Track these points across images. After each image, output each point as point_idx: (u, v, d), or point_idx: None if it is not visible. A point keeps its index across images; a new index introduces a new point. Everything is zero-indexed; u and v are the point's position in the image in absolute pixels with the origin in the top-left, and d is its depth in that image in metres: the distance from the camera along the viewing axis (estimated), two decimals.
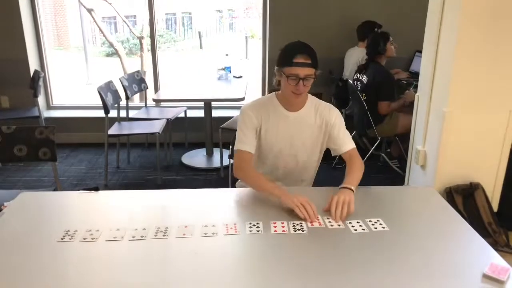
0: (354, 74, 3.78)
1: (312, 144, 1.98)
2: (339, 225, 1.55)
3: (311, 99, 1.98)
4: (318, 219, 1.60)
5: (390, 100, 3.50)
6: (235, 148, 1.92)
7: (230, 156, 2.36)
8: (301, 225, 1.54)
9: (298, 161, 2.00)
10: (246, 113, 1.92)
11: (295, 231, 1.51)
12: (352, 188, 1.72)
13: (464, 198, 2.36)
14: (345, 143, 1.95)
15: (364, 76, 3.58)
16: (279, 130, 1.94)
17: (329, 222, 1.57)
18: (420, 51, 2.65)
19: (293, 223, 1.56)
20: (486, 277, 1.27)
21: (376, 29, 4.07)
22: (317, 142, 1.99)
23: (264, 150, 1.98)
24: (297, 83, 1.78)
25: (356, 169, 1.87)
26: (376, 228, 1.53)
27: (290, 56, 1.78)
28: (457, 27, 2.20)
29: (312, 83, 1.83)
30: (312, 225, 1.56)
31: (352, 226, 1.54)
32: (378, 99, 3.48)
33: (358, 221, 1.57)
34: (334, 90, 4.11)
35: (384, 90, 3.48)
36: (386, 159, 4.00)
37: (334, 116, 1.95)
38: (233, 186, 2.14)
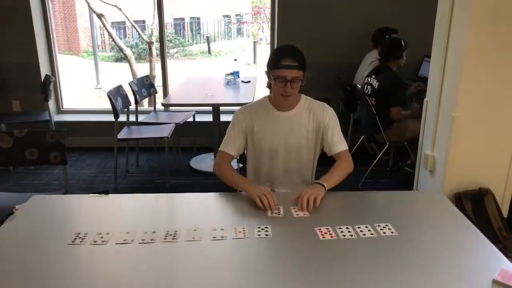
0: (365, 78, 3.76)
1: (307, 143, 2.01)
2: (350, 235, 1.55)
3: (305, 99, 2.03)
4: (278, 209, 1.69)
5: (402, 105, 3.48)
6: (219, 148, 2.03)
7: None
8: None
9: (294, 160, 2.03)
10: (237, 115, 2.03)
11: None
12: (325, 184, 1.79)
13: (473, 203, 2.35)
14: (338, 145, 2.01)
15: (375, 80, 3.55)
16: (271, 130, 1.99)
17: (341, 232, 1.53)
18: (429, 56, 2.65)
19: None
20: (496, 283, 1.26)
21: (387, 36, 4.04)
22: (311, 141, 2.02)
23: (260, 150, 2.02)
24: (285, 85, 1.85)
25: (339, 168, 1.94)
26: (384, 233, 1.53)
27: (278, 59, 1.86)
28: (466, 32, 2.19)
29: (300, 85, 1.89)
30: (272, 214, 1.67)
31: (361, 231, 1.53)
32: (390, 105, 3.47)
33: (367, 225, 1.57)
34: (342, 95, 4.10)
35: (396, 95, 3.45)
36: (411, 170, 3.92)
37: (328, 117, 1.99)
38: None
